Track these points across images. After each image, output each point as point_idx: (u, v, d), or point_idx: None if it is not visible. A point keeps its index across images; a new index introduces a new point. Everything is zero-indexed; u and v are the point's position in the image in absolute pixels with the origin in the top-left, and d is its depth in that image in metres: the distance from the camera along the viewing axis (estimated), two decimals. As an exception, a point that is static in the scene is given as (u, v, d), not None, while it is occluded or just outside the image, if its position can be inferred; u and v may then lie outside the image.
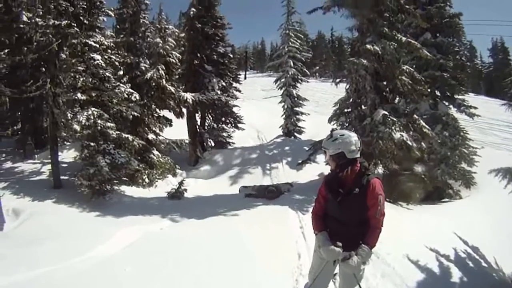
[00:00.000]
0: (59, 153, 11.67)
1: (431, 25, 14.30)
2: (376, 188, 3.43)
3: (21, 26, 9.84)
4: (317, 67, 58.98)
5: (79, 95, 9.98)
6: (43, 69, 10.43)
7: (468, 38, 49.94)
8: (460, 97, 15.26)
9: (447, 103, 15.13)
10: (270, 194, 10.99)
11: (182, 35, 17.59)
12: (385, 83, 11.22)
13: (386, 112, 10.40)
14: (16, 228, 7.51)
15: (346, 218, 3.51)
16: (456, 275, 6.10)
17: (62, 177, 10.78)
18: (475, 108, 15.23)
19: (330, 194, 3.57)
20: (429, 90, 12.87)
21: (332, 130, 3.72)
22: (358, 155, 3.53)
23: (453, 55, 15.26)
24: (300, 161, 14.59)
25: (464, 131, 14.63)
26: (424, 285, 5.52)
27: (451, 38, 15.45)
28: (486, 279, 6.56)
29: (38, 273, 5.25)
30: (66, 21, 9.83)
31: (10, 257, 5.76)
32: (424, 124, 11.09)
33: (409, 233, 7.84)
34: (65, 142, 15.62)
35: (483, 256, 7.64)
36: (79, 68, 10.23)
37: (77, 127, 9.74)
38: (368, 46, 10.34)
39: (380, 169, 12.12)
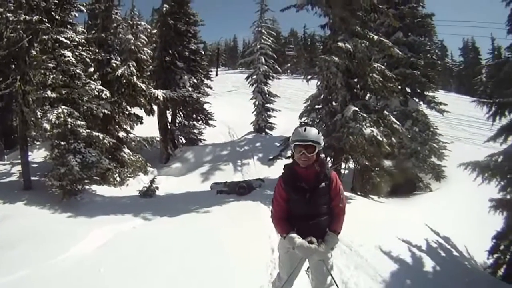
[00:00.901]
0: (29, 153, 11.47)
1: (403, 24, 14.83)
2: (337, 180, 3.64)
3: None
4: (289, 64, 59.38)
5: (49, 92, 9.78)
6: (13, 66, 10.17)
7: (439, 38, 51.24)
8: (430, 94, 15.89)
9: (417, 100, 15.71)
10: (241, 190, 11.12)
11: (154, 31, 17.42)
12: (356, 80, 11.47)
13: (356, 109, 10.63)
14: None
15: (314, 212, 3.62)
16: (428, 264, 6.30)
17: (32, 178, 10.59)
18: (445, 104, 15.82)
19: (293, 193, 3.62)
20: (399, 87, 13.27)
21: (303, 125, 3.78)
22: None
23: (424, 54, 15.86)
24: (271, 157, 14.80)
25: (434, 127, 15.24)
26: (398, 275, 5.65)
27: (423, 37, 16.08)
28: (459, 267, 6.91)
29: (10, 279, 5.23)
30: (38, 17, 9.58)
31: None
32: (394, 120, 11.40)
33: (381, 225, 8.01)
34: (35, 142, 15.34)
35: (454, 245, 8.03)
36: (50, 65, 10.02)
37: (47, 126, 9.51)
38: (340, 44, 10.54)
39: (351, 164, 12.43)
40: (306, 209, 3.62)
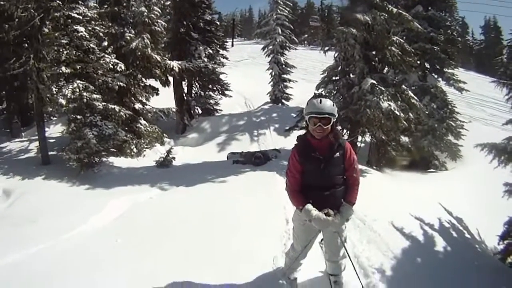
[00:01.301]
0: (46, 129, 11.63)
1: None
2: (351, 150, 3.70)
3: (1, 3, 9.51)
4: (306, 35, 58.54)
5: (63, 68, 9.85)
6: (26, 45, 10.22)
7: (460, 14, 49.89)
8: (449, 71, 15.61)
9: (436, 76, 15.44)
10: (257, 160, 11.10)
11: (168, 3, 17.26)
12: (374, 52, 11.28)
13: (374, 81, 10.51)
14: (7, 208, 7.57)
15: (329, 183, 3.66)
16: (440, 244, 6.28)
17: (50, 153, 10.77)
18: (464, 83, 15.57)
19: (308, 164, 3.64)
20: (418, 62, 13.13)
21: (318, 96, 3.77)
22: None
23: (444, 29, 15.53)
24: (287, 128, 14.85)
25: (452, 105, 15.02)
26: (409, 253, 5.66)
27: (443, 12, 15.72)
28: (469, 250, 6.85)
29: (32, 252, 5.38)
30: None
31: (3, 238, 5.88)
32: (412, 95, 11.26)
33: (395, 200, 8.06)
34: (51, 118, 15.56)
35: (466, 227, 7.94)
36: (63, 41, 10.03)
37: (62, 101, 9.61)
38: (358, 16, 10.39)
39: (367, 137, 12.37)
40: (321, 180, 3.65)
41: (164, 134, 14.55)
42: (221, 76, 19.05)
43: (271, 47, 22.57)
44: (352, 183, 3.70)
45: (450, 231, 7.14)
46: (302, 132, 3.88)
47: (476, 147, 8.04)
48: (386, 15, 10.52)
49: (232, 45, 45.79)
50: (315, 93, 11.49)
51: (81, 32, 10.26)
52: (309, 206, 3.57)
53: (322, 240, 4.23)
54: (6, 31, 9.61)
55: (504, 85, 7.78)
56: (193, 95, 19.19)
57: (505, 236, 7.46)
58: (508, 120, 7.91)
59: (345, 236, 3.99)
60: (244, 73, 29.00)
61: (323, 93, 12.25)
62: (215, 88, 19.21)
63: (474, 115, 21.09)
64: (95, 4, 12.01)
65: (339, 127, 11.84)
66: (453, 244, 6.48)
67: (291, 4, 27.27)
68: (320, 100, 3.53)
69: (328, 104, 3.50)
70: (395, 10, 10.72)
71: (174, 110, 16.11)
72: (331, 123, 3.55)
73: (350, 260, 3.88)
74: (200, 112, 19.17)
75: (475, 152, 8.24)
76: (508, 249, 7.34)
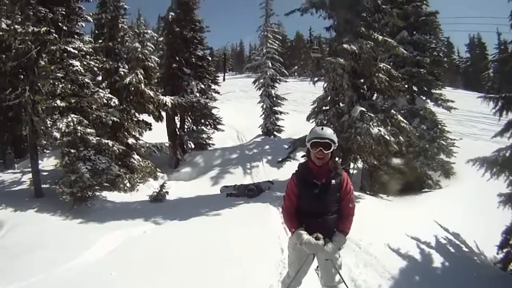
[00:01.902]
0: (39, 162, 11.57)
1: (407, 23, 14.82)
2: (348, 179, 3.74)
3: (0, 33, 9.74)
4: (296, 67, 59.49)
5: (58, 102, 9.94)
6: (22, 76, 10.32)
7: (445, 35, 50.99)
8: (437, 91, 15.78)
9: (424, 98, 15.65)
10: (250, 192, 11.17)
11: (161, 39, 17.63)
12: (362, 80, 11.54)
13: (363, 109, 10.68)
14: (0, 240, 7.48)
15: (323, 209, 3.71)
16: (437, 260, 6.32)
17: (43, 186, 10.70)
18: (452, 101, 15.76)
19: (304, 188, 3.71)
20: (406, 86, 13.31)
21: (320, 124, 3.92)
22: None
23: (430, 52, 15.78)
24: (280, 159, 14.88)
25: (442, 124, 15.16)
26: (406, 272, 5.68)
27: (428, 35, 15.98)
28: (468, 262, 6.89)
29: (24, 285, 5.31)
30: (45, 28, 9.74)
31: None
32: (401, 118, 11.39)
33: (390, 223, 8.08)
34: (45, 150, 15.54)
35: (464, 241, 7.95)
36: (58, 74, 10.17)
37: (57, 134, 9.66)
38: (345, 46, 10.61)
39: (359, 164, 12.44)
40: (315, 206, 3.70)
41: (157, 169, 14.54)
42: (213, 111, 19.13)
43: (262, 80, 22.92)
44: (347, 213, 3.74)
45: (447, 247, 7.18)
46: (295, 163, 3.96)
47: (467, 163, 8.10)
48: (372, 43, 10.78)
49: (224, 79, 46.42)
50: (316, 123, 11.67)
51: (77, 66, 10.40)
52: (300, 230, 3.63)
53: (317, 267, 4.24)
54: (3, 61, 9.71)
55: (490, 99, 7.90)
56: (185, 129, 19.24)
57: (504, 245, 7.44)
58: (497, 133, 8.00)
59: (340, 263, 3.94)
60: (236, 107, 29.31)
61: (313, 123, 12.40)
62: (207, 122, 19.28)
63: (465, 131, 21.27)
64: (90, 39, 12.21)
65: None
66: (451, 259, 6.51)
67: (281, 38, 27.85)
68: (322, 128, 3.68)
69: (329, 131, 3.65)
70: (380, 37, 11.01)
71: (167, 144, 16.15)
72: (331, 150, 3.65)
73: (346, 286, 3.88)
74: (193, 146, 19.16)
75: (467, 168, 8.27)
76: (508, 257, 7.33)
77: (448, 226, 8.51)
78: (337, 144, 3.69)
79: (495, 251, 7.59)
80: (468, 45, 62.86)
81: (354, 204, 3.78)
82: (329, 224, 3.70)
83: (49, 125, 9.97)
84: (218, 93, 20.60)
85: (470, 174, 9.41)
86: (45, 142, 12.37)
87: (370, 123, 10.38)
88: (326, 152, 3.62)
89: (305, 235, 3.58)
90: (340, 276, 3.81)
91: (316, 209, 3.70)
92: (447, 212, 10.04)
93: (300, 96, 32.95)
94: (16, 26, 9.53)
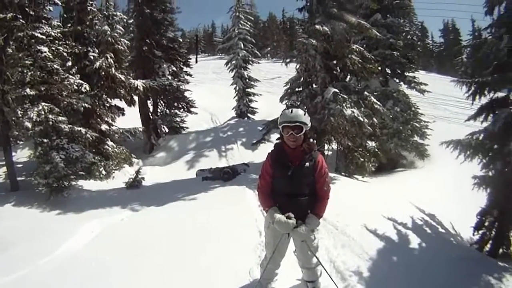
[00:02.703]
0: (13, 153, 11.31)
1: (381, 6, 15.05)
2: (323, 162, 3.81)
3: None
4: (269, 48, 59.32)
5: (28, 90, 9.67)
6: (-10, 66, 10.04)
7: (419, 19, 51.57)
8: (410, 74, 16.16)
9: (397, 80, 15.99)
10: (226, 175, 11.24)
11: (131, 21, 17.29)
12: (335, 62, 11.59)
13: (336, 90, 10.78)
14: None
15: (296, 190, 3.79)
16: (414, 241, 6.45)
17: (18, 178, 10.53)
18: (426, 84, 16.17)
19: (278, 170, 3.80)
20: (379, 68, 13.50)
21: (290, 106, 3.96)
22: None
23: (403, 35, 16.03)
24: (254, 141, 15.01)
25: (416, 107, 15.54)
26: (384, 253, 5.78)
27: (402, 19, 16.18)
28: (445, 243, 7.06)
29: (7, 280, 5.31)
30: (12, 14, 9.41)
31: None
32: (375, 100, 11.57)
33: (366, 204, 8.21)
34: (18, 142, 15.12)
35: (440, 222, 8.15)
36: (27, 62, 9.89)
37: (28, 124, 9.41)
38: (317, 27, 10.61)
39: (334, 145, 12.61)
40: (288, 187, 3.77)
41: (132, 155, 14.44)
42: (186, 93, 19.02)
43: (234, 62, 22.81)
44: (322, 196, 3.81)
45: (423, 227, 7.35)
46: (270, 145, 4.04)
47: (441, 145, 8.29)
48: (345, 25, 10.84)
49: (196, 61, 45.91)
50: (286, 105, 11.70)
51: (45, 52, 10.08)
52: (273, 209, 3.74)
53: (295, 250, 4.36)
54: (-31, 51, 9.42)
55: (463, 83, 8.07)
56: (159, 113, 19.07)
57: (479, 226, 7.71)
58: (470, 116, 8.19)
59: (317, 245, 4.07)
60: (209, 89, 29.07)
61: (292, 103, 12.46)
62: (180, 105, 19.16)
63: (438, 114, 21.73)
64: (59, 23, 11.84)
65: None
66: (428, 240, 6.67)
67: (253, 19, 27.66)
68: (292, 110, 3.71)
69: (299, 113, 3.69)
70: (354, 19, 11.04)
71: (140, 129, 15.97)
72: (304, 132, 3.73)
73: (324, 268, 4.02)
74: (167, 130, 19.08)
75: (442, 150, 8.46)
76: (484, 239, 7.62)
77: (423, 207, 8.73)
78: (309, 125, 3.77)
79: (471, 232, 7.89)
80: (442, 30, 64.65)
81: (329, 187, 3.85)
82: (302, 205, 3.78)
83: (20, 115, 9.74)
84: (190, 75, 20.35)
85: (445, 156, 9.72)
86: (17, 133, 12.09)
87: (344, 105, 10.52)
88: (297, 135, 3.68)
89: (277, 214, 3.67)
90: (316, 258, 3.95)
91: (289, 190, 3.78)
92: (422, 194, 10.34)
93: (275, 78, 32.90)
94: (-20, 14, 9.22)
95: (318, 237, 4.03)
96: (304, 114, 3.71)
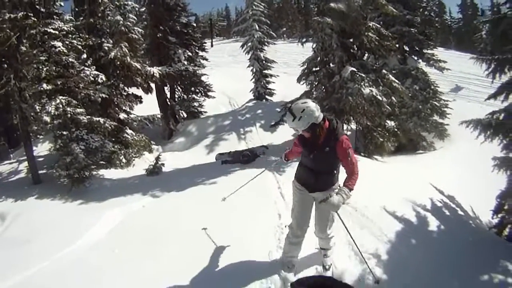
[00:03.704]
0: (34, 148, 11.51)
1: None
2: (344, 143, 4.04)
3: None
4: (284, 29, 58.59)
5: (44, 85, 9.79)
6: (5, 65, 10.17)
7: None
8: (429, 51, 15.79)
9: (416, 58, 15.64)
10: (245, 158, 11.27)
11: (143, 9, 17.28)
12: (351, 40, 11.46)
13: (354, 69, 10.68)
14: (3, 232, 7.55)
15: (317, 168, 4.26)
16: (433, 223, 6.42)
17: (40, 172, 10.69)
18: (445, 62, 15.80)
19: (303, 150, 4.31)
20: (397, 45, 13.25)
21: (289, 108, 4.22)
22: (322, 114, 4.04)
23: (421, 11, 15.66)
24: (273, 123, 14.97)
25: (435, 85, 15.15)
26: (403, 235, 5.81)
27: None
28: (464, 226, 6.98)
29: (31, 273, 5.45)
30: (23, 13, 9.47)
31: (1, 262, 5.91)
32: (393, 78, 11.43)
33: (386, 185, 8.15)
34: (38, 136, 15.38)
35: (459, 204, 8.03)
36: (41, 58, 9.98)
37: (47, 118, 9.56)
38: (332, 5, 10.48)
39: (352, 125, 12.51)
40: (310, 164, 4.32)
41: (152, 142, 14.58)
42: (203, 78, 19.06)
43: (249, 43, 22.60)
44: (350, 172, 4.02)
45: (442, 210, 7.29)
46: (288, 127, 4.45)
47: (461, 124, 8.14)
48: (361, 1, 10.64)
49: (212, 45, 45.72)
50: (286, 106, 11.58)
51: (59, 47, 10.17)
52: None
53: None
54: (-17, 52, 9.57)
55: (483, 60, 7.88)
56: (176, 99, 19.18)
57: (499, 210, 7.59)
58: (490, 95, 8.01)
59: (333, 217, 4.49)
60: (226, 73, 28.94)
61: (304, 85, 12.39)
62: (197, 90, 19.25)
63: (458, 93, 21.38)
64: (71, 17, 11.91)
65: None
66: (447, 222, 6.64)
67: (266, -1, 27.31)
68: (291, 115, 3.96)
69: (295, 121, 3.95)
70: (369, -4, 10.79)
71: (159, 116, 16.06)
72: (311, 127, 3.98)
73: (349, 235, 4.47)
74: (185, 115, 19.18)
75: (461, 130, 8.32)
76: (503, 223, 7.49)
77: (443, 189, 8.64)
78: (316, 118, 3.95)
79: (490, 215, 7.75)
80: (460, 6, 61.92)
81: (355, 165, 4.05)
82: (322, 180, 4.29)
83: (38, 110, 9.84)
84: (206, 59, 20.34)
85: (464, 136, 9.52)
86: (36, 127, 12.30)
87: (362, 83, 10.42)
88: (307, 136, 4.07)
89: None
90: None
91: (312, 167, 4.30)
92: (442, 175, 10.21)
93: (290, 58, 32.60)
94: (-8, 15, 9.32)
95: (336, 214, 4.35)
96: (299, 119, 3.92)
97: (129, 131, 13.41)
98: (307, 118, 3.90)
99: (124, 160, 12.27)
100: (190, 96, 19.36)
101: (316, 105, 3.98)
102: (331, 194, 3.87)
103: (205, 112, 19.76)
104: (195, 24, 20.55)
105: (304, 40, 12.59)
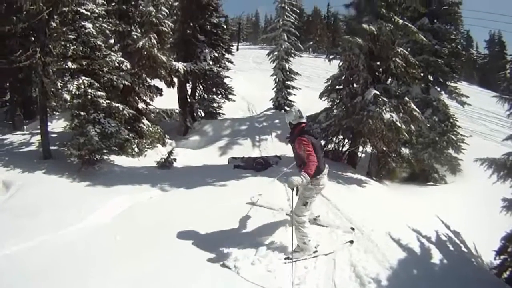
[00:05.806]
0: (49, 123, 11.45)
1: (429, 10, 14.56)
2: (296, 142, 5.33)
3: None
4: (311, 43, 58.73)
5: (69, 64, 9.79)
6: (33, 38, 10.19)
7: (465, 28, 49.74)
8: (452, 84, 15.61)
9: (439, 89, 15.49)
10: (258, 166, 11.06)
11: (176, 4, 17.31)
12: (378, 63, 11.30)
13: (377, 92, 10.54)
14: (7, 201, 7.56)
15: (294, 158, 5.81)
16: (436, 256, 6.29)
17: (51, 148, 10.66)
18: (467, 96, 15.61)
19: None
20: (422, 74, 13.11)
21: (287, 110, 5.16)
22: (303, 120, 5.52)
23: (449, 42, 15.49)
24: (288, 135, 14.78)
25: (454, 118, 15.03)
26: (405, 264, 5.70)
27: (448, 25, 15.69)
28: (466, 264, 6.87)
29: (30, 245, 5.47)
30: None
31: (1, 230, 5.93)
32: (414, 107, 11.26)
33: (393, 212, 8.04)
34: (54, 112, 15.45)
35: (463, 241, 7.96)
36: (70, 36, 10.01)
37: (67, 96, 9.55)
38: (364, 26, 10.40)
39: (368, 148, 12.36)
40: None
41: (166, 135, 14.50)
42: (225, 80, 19.04)
43: (276, 53, 22.45)
44: (306, 159, 5.12)
45: (447, 244, 7.16)
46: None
47: (475, 161, 8.06)
48: (392, 26, 10.53)
49: (237, 49, 45.91)
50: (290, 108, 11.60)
51: (89, 28, 10.19)
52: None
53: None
54: (14, 23, 9.61)
55: (506, 100, 7.79)
56: (196, 97, 19.13)
57: (502, 251, 7.51)
58: (508, 136, 7.92)
59: (303, 198, 5.43)
60: (248, 78, 29.00)
61: (326, 102, 12.32)
62: (219, 91, 19.21)
63: (475, 129, 21.16)
64: (103, 1, 11.92)
65: (340, 136, 11.94)
66: (450, 257, 6.49)
67: (298, 11, 27.21)
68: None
69: (285, 115, 5.86)
70: (400, 21, 10.71)
71: (177, 111, 15.98)
72: (292, 126, 5.59)
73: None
74: (203, 115, 19.11)
75: (475, 167, 8.30)
76: (504, 264, 7.39)
77: (449, 223, 8.53)
78: (292, 120, 5.56)
79: (493, 256, 7.60)
80: (487, 42, 61.32)
81: (304, 157, 5.20)
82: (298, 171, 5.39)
83: (59, 87, 9.89)
84: (232, 62, 20.27)
85: (477, 173, 9.44)
86: (55, 104, 12.36)
87: (383, 108, 10.29)
88: (290, 128, 5.68)
89: None
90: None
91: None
92: (449, 209, 10.12)
93: (313, 73, 32.55)
94: (27, -13, 9.35)
95: (307, 195, 5.37)
96: (285, 115, 5.91)
97: (145, 122, 13.37)
98: (287, 117, 5.67)
99: (136, 149, 12.20)
100: (210, 96, 19.29)
101: (298, 112, 5.54)
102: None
103: (223, 114, 19.64)
104: (225, 26, 20.52)
105: (331, 57, 12.49)
